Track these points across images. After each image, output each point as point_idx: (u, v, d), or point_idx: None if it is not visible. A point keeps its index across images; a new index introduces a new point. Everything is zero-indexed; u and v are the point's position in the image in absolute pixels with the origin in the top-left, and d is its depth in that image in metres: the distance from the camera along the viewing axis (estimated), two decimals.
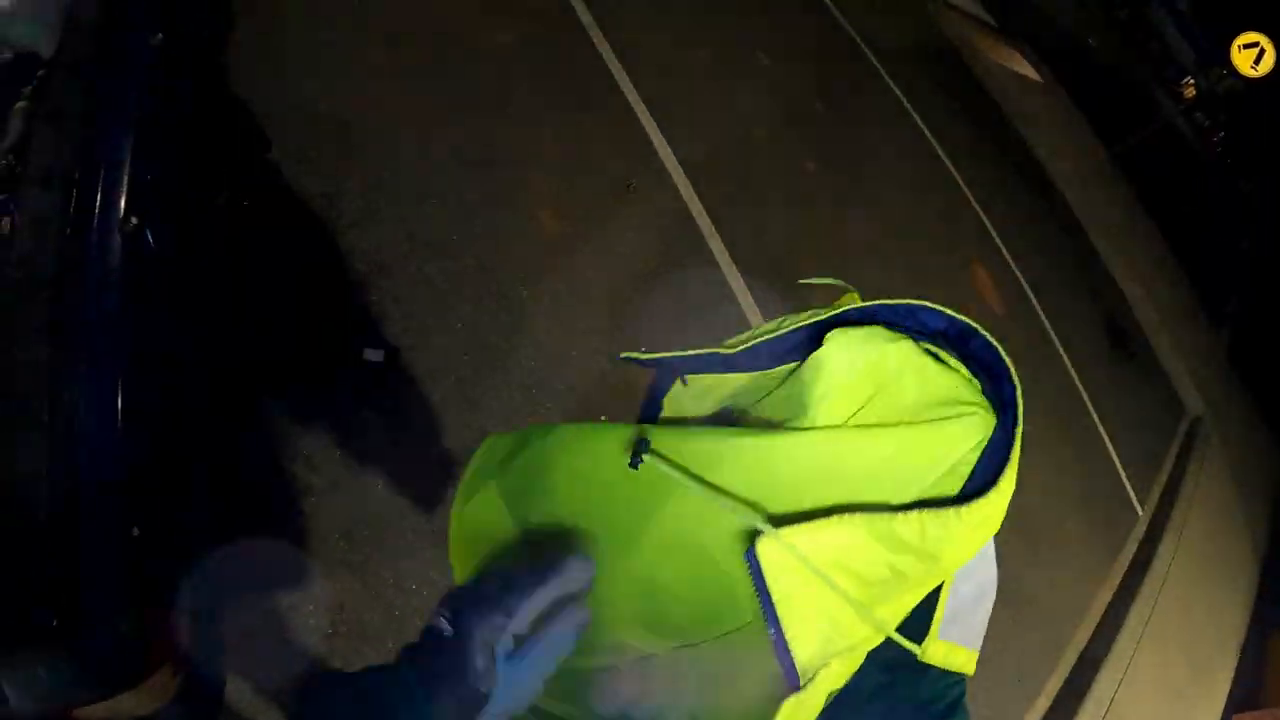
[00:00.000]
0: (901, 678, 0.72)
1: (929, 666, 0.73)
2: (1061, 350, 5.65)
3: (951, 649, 0.74)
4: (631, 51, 4.08)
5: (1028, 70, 9.87)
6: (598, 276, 3.35)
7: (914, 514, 0.65)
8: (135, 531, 1.16)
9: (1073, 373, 5.60)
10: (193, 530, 1.37)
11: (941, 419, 0.69)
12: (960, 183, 5.26)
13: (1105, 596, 4.37)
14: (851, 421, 0.73)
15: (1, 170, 1.49)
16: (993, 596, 0.80)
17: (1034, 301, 5.51)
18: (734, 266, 3.65)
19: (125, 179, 1.44)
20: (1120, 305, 7.58)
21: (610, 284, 3.35)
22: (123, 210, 1.41)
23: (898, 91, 5.42)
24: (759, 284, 3.65)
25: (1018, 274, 5.36)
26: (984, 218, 5.15)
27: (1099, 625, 4.19)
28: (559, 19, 4.08)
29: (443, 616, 0.65)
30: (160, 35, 1.59)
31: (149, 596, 1.21)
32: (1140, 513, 5.28)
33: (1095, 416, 5.50)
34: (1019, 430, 0.68)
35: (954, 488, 0.69)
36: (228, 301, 2.55)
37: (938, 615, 0.74)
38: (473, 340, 2.99)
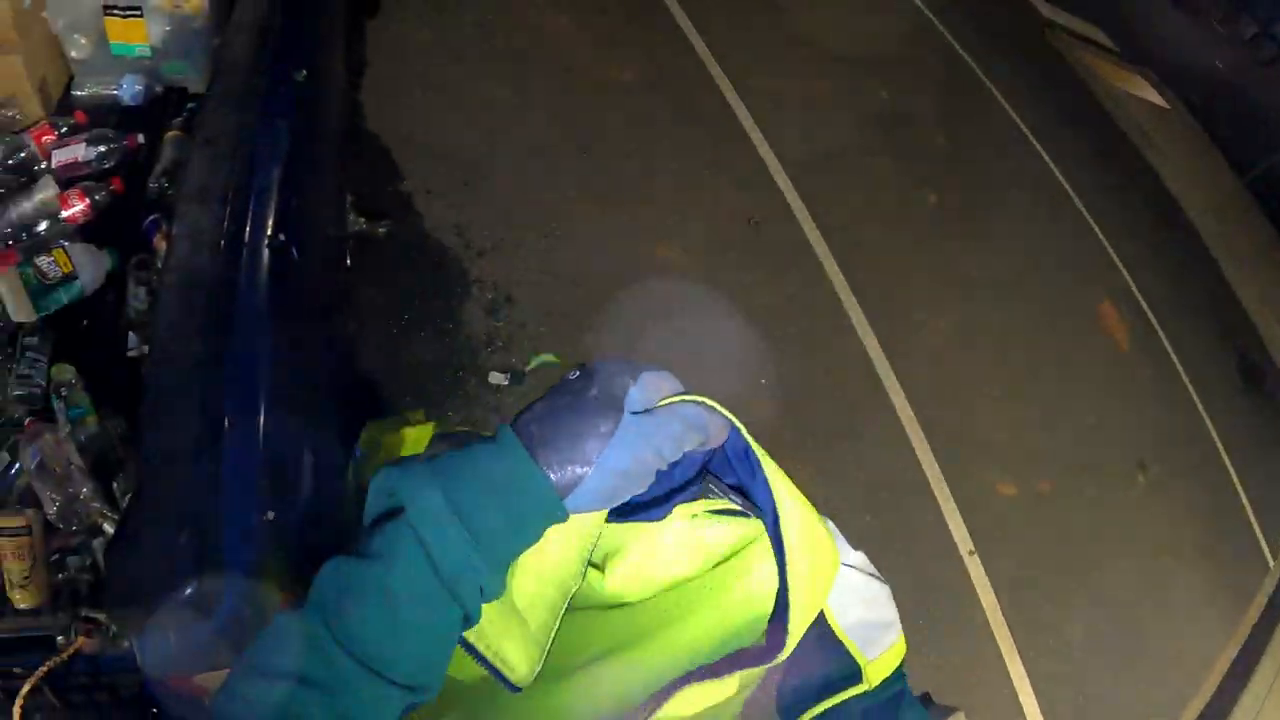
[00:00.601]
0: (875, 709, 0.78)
1: (884, 683, 0.79)
2: (1191, 388, 5.27)
3: (883, 657, 0.80)
4: (752, 87, 4.14)
5: (1153, 96, 9.37)
6: (722, 310, 3.38)
7: (734, 676, 0.72)
8: (270, 515, 1.23)
9: (1203, 412, 5.22)
10: (323, 519, 1.44)
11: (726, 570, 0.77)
12: (1086, 214, 5.03)
13: (1231, 651, 4.02)
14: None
15: (154, 192, 1.66)
16: (870, 582, 0.87)
17: (1163, 338, 5.20)
18: (855, 301, 3.62)
19: (274, 200, 1.56)
20: (1254, 341, 7.01)
21: (734, 316, 3.38)
22: (271, 228, 1.53)
23: (1020, 122, 5.25)
24: (879, 319, 3.60)
25: (1146, 309, 5.09)
26: (1111, 251, 4.90)
27: (1223, 681, 3.86)
28: (680, 56, 4.18)
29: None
30: (304, 72, 1.74)
31: (280, 577, 1.27)
32: (1272, 564, 4.84)
33: (1226, 459, 5.11)
34: (784, 527, 0.71)
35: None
36: (360, 315, 2.72)
37: (852, 647, 0.79)
38: None
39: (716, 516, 0.79)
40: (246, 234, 1.45)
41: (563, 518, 0.62)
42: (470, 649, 0.72)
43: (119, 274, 1.57)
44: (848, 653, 0.79)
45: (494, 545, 0.60)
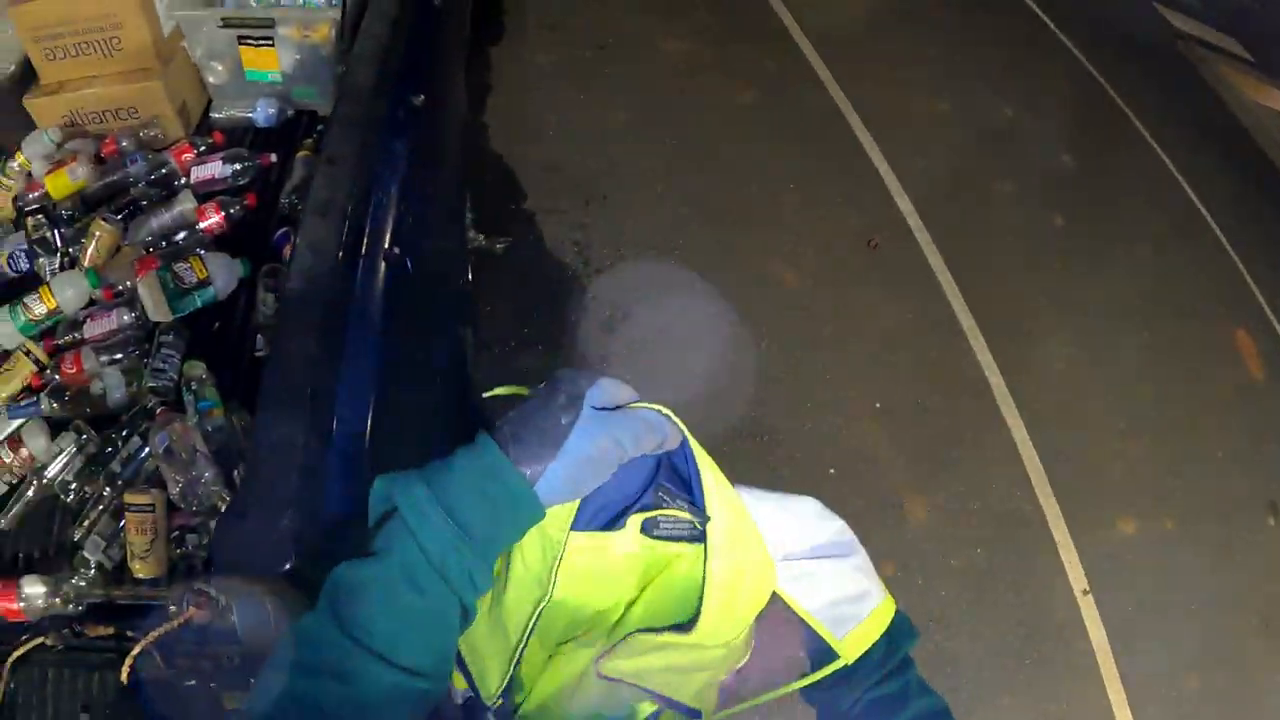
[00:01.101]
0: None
1: (865, 654, 0.82)
2: None
3: (858, 630, 0.82)
4: (872, 107, 4.05)
5: None
6: (837, 331, 3.31)
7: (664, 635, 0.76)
8: None
9: None
10: None
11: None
12: (1221, 236, 4.61)
13: None
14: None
15: (285, 207, 1.76)
16: (840, 563, 0.85)
17: None
18: (974, 325, 3.46)
19: (390, 215, 1.64)
20: None
21: (849, 341, 3.30)
22: (387, 241, 1.60)
23: (1150, 139, 4.91)
24: (999, 344, 3.43)
25: None
26: (1247, 276, 4.47)
27: None
28: (800, 78, 4.15)
29: None
30: (421, 97, 1.82)
31: None
32: None
33: None
34: (710, 530, 0.76)
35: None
36: (478, 328, 2.80)
37: (826, 634, 0.81)
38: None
39: (666, 543, 0.82)
40: (364, 246, 1.52)
41: (539, 511, 0.67)
42: (461, 664, 0.82)
43: (250, 281, 1.67)
44: (817, 634, 0.82)
45: (477, 535, 0.65)
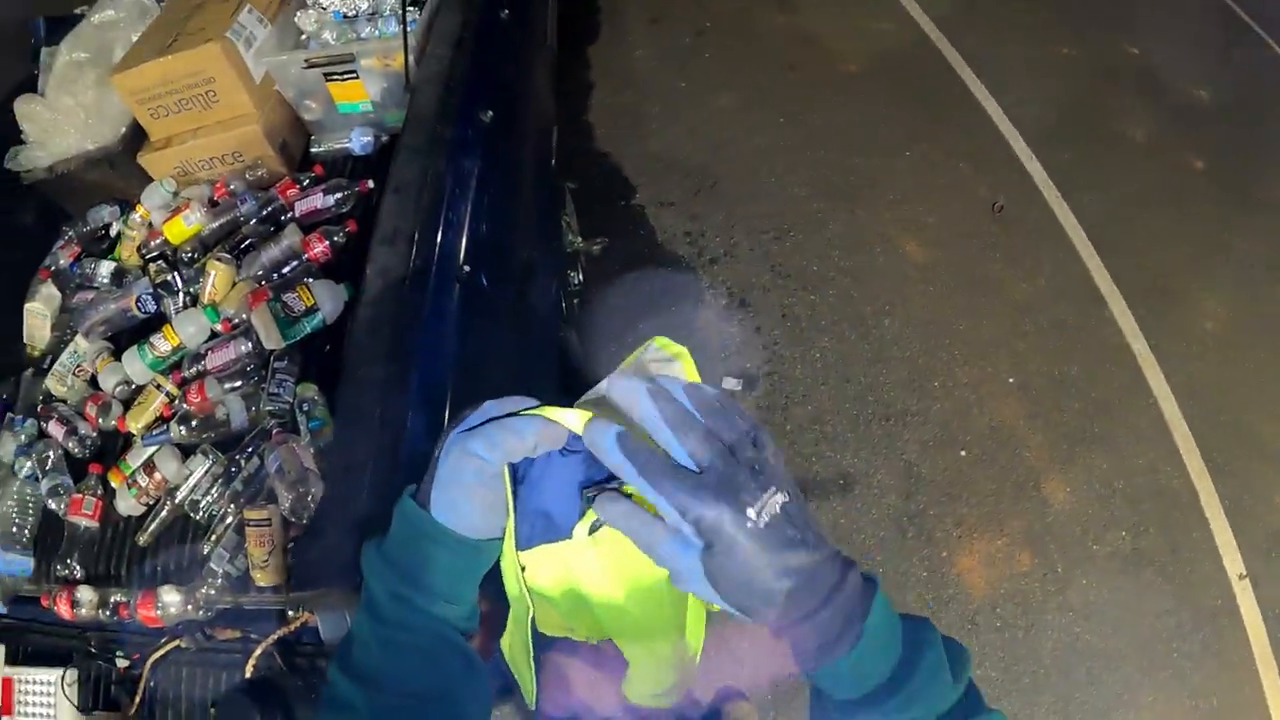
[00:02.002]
0: None
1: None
2: None
3: None
4: (984, 59, 3.74)
5: None
6: (965, 306, 3.10)
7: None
8: None
9: None
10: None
11: None
12: None
13: None
14: None
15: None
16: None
17: None
18: (1114, 288, 3.14)
19: (463, 236, 1.64)
20: None
21: (979, 313, 3.09)
22: (460, 260, 1.61)
23: None
24: (1141, 306, 3.10)
25: None
26: None
27: None
28: (906, 39, 3.89)
29: None
30: (490, 113, 1.81)
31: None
32: None
33: None
34: None
35: None
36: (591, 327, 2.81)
37: None
38: (832, 371, 2.97)
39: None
40: (433, 268, 1.54)
41: (460, 545, 0.67)
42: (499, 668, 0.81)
43: (356, 304, 1.72)
44: None
45: (426, 583, 0.67)
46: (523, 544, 0.71)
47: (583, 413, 0.65)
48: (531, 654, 0.77)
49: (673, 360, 0.78)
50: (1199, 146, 3.52)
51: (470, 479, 0.64)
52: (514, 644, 0.81)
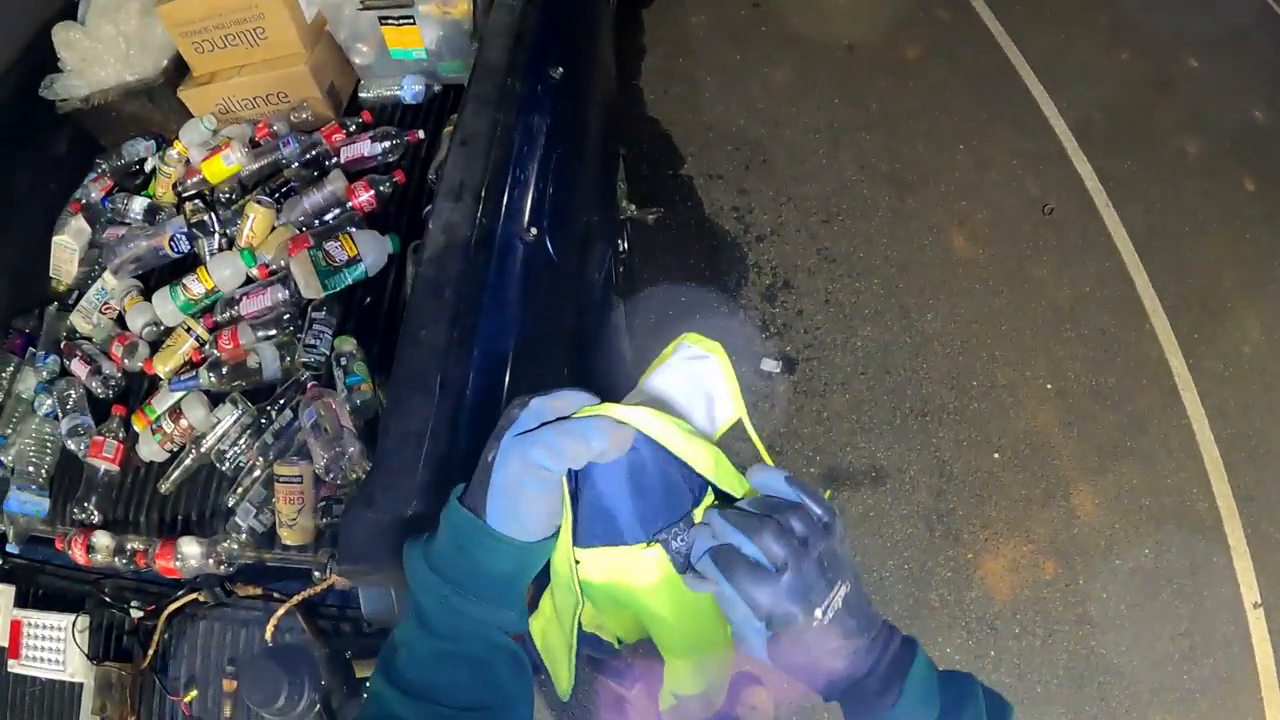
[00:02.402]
0: None
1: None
2: None
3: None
4: (1046, 59, 3.61)
5: None
6: (1009, 306, 3.01)
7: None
8: None
9: None
10: None
11: None
12: None
13: None
14: None
15: (433, 183, 1.71)
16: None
17: None
18: (1157, 302, 3.04)
19: (529, 195, 1.55)
20: None
21: (1022, 314, 3.00)
22: (526, 221, 1.52)
23: None
24: (1182, 322, 3.00)
25: None
26: None
27: None
28: (969, 32, 3.75)
29: None
30: (560, 69, 1.71)
31: None
32: None
33: None
34: None
35: None
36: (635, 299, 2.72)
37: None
38: (872, 360, 2.90)
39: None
40: (499, 228, 1.45)
41: (491, 542, 0.63)
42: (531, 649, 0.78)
43: (400, 257, 1.65)
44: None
45: (475, 591, 0.64)
46: (581, 541, 0.68)
47: (648, 411, 0.63)
48: (574, 649, 0.75)
49: (706, 357, 0.75)
50: (1251, 167, 3.39)
51: (532, 489, 0.61)
52: (552, 633, 0.79)
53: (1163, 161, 3.36)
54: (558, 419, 0.62)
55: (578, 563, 0.69)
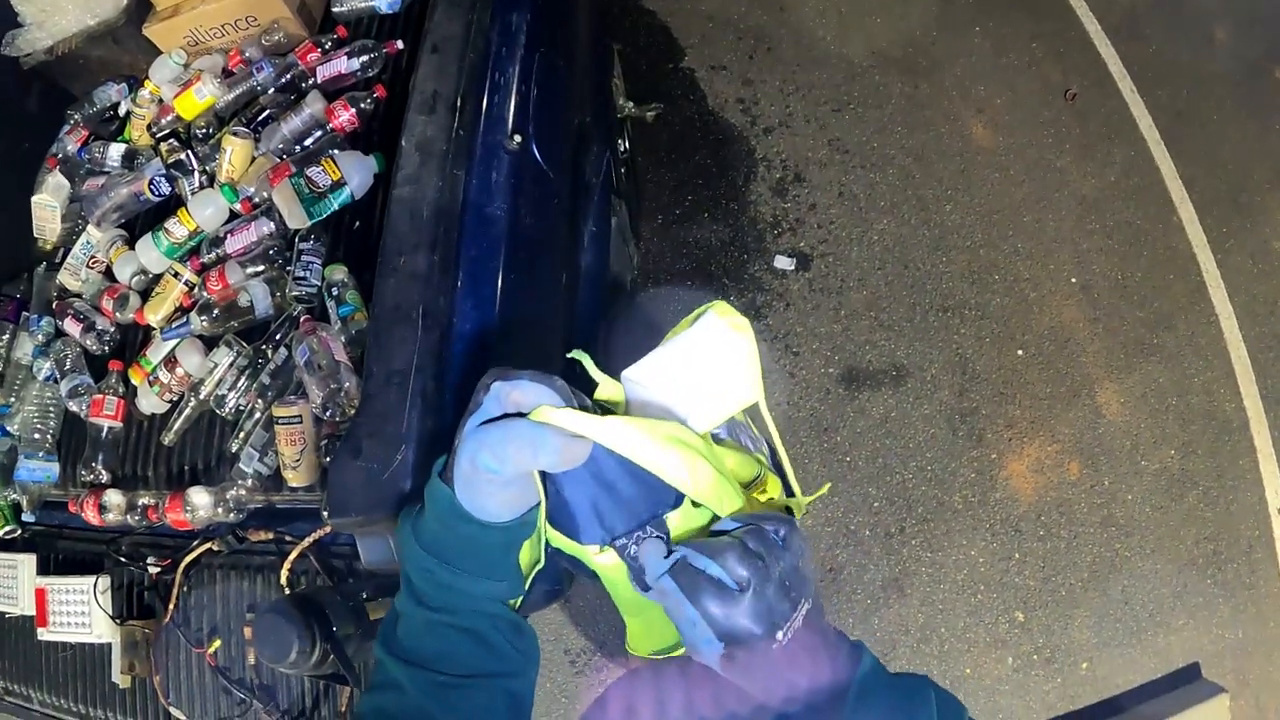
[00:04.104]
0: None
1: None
2: None
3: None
4: None
5: None
6: (1031, 195, 2.83)
7: None
8: None
9: None
10: None
11: None
12: None
13: None
14: None
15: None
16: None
17: None
18: (1184, 193, 2.85)
19: (511, 100, 1.41)
20: None
21: (1045, 206, 2.82)
22: (509, 129, 1.38)
23: None
24: (1211, 214, 2.81)
25: None
26: None
27: None
28: None
29: None
30: None
31: None
32: None
33: None
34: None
35: None
36: (633, 200, 2.58)
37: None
38: (890, 255, 2.75)
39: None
40: (479, 139, 1.33)
41: (465, 519, 0.60)
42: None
43: (387, 175, 1.50)
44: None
45: (466, 566, 0.62)
46: (549, 521, 0.65)
47: (619, 420, 0.58)
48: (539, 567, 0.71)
49: (731, 333, 0.67)
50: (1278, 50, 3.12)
51: (486, 485, 0.58)
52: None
53: (1190, 46, 3.10)
54: (517, 413, 0.57)
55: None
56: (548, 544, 0.67)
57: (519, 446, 0.55)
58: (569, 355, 0.66)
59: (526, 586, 0.68)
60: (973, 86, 3.00)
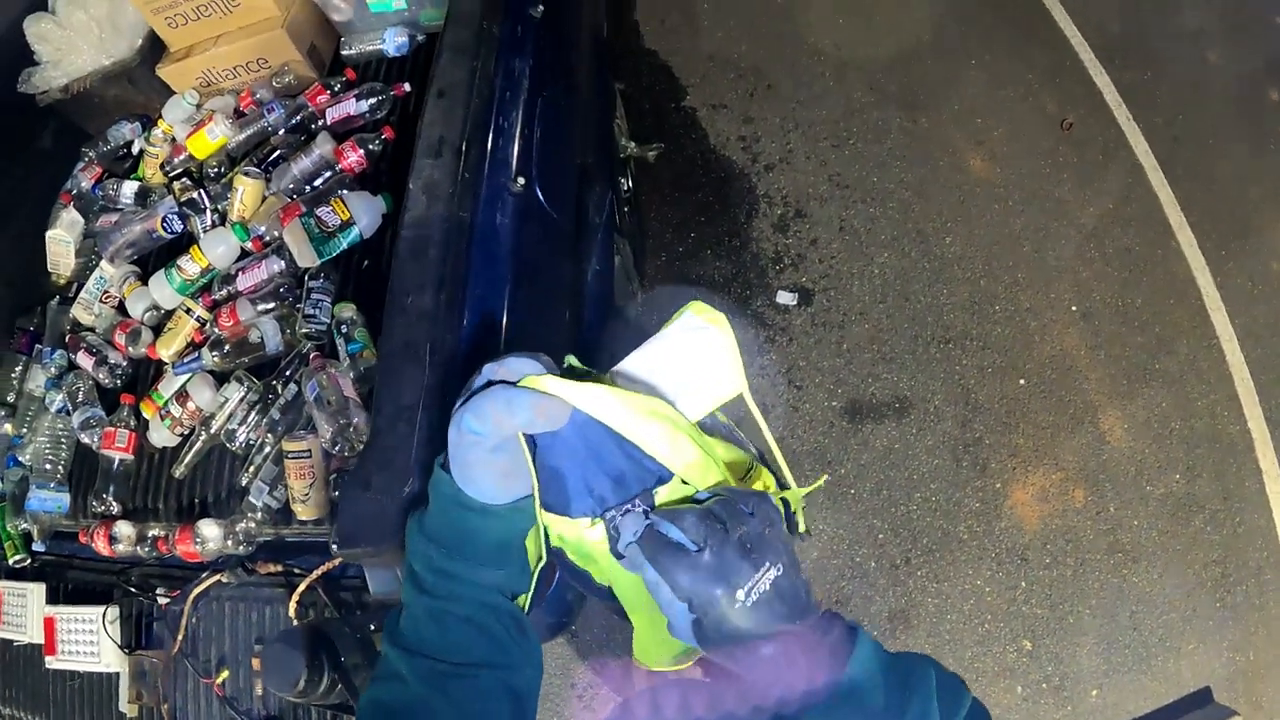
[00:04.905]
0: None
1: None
2: None
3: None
4: None
5: None
6: (1030, 225, 2.87)
7: None
8: None
9: None
10: None
11: None
12: None
13: None
14: None
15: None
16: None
17: None
18: (1182, 218, 2.88)
19: (515, 144, 1.45)
20: None
21: (1044, 235, 2.86)
22: (513, 171, 1.43)
23: None
24: (1210, 239, 2.83)
25: None
26: None
27: None
28: None
29: None
30: (540, 7, 1.60)
31: None
32: None
33: None
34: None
35: None
36: (637, 238, 2.62)
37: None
38: (891, 288, 2.79)
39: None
40: (483, 181, 1.37)
41: (464, 504, 0.64)
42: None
43: (395, 216, 1.55)
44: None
45: (474, 555, 0.65)
46: (543, 504, 0.65)
47: (602, 388, 0.61)
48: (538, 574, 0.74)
49: (708, 328, 0.69)
50: (1275, 76, 3.15)
51: (472, 454, 0.61)
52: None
53: (1184, 71, 3.15)
54: (501, 382, 0.61)
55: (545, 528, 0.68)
56: (552, 546, 0.68)
57: (495, 404, 0.58)
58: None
59: (532, 586, 0.69)
60: (970, 119, 3.05)
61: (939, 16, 3.27)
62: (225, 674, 1.39)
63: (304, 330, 1.47)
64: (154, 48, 1.85)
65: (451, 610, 0.65)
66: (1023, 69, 3.15)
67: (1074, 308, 2.74)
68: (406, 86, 1.71)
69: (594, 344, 1.80)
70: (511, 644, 0.67)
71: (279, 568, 1.38)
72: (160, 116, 1.83)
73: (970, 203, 2.90)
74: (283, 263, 1.53)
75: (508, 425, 0.59)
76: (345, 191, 1.55)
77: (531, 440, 0.63)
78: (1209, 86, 3.12)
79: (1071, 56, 3.18)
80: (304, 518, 1.35)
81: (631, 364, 0.68)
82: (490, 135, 1.39)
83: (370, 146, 1.63)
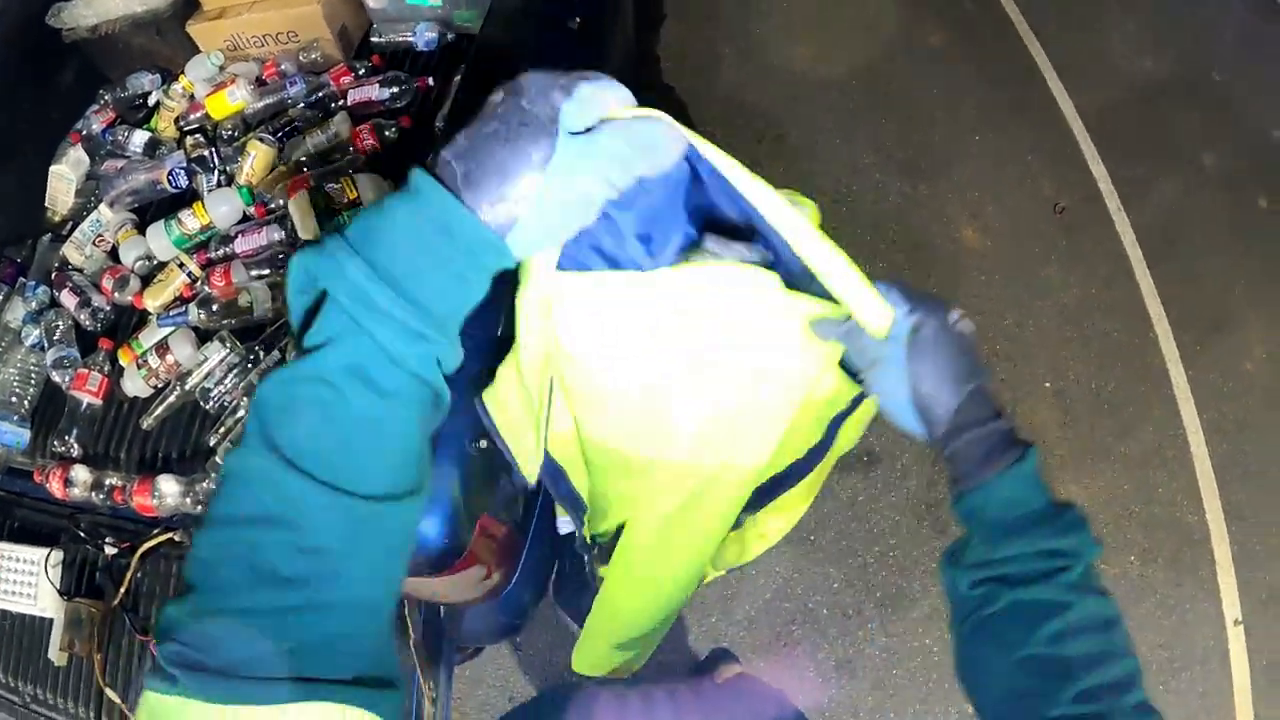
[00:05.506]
0: None
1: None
2: None
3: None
4: (1070, 63, 3.50)
5: None
6: (1015, 302, 2.95)
7: None
8: (482, 444, 1.18)
9: None
10: None
11: None
12: None
13: None
14: None
15: (438, 133, 1.64)
16: None
17: None
18: (1162, 311, 2.96)
19: None
20: None
21: (1027, 312, 2.93)
22: None
23: None
24: (1187, 334, 2.92)
25: None
26: None
27: None
28: (994, 25, 3.63)
29: None
30: (578, 20, 1.63)
31: (482, 502, 1.25)
32: None
33: None
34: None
35: None
36: None
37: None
38: None
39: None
40: None
41: (509, 261, 0.51)
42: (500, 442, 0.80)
43: None
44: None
45: (437, 309, 0.49)
46: (566, 262, 0.60)
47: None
48: (543, 413, 0.71)
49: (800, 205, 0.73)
50: (1267, 185, 3.28)
51: (586, 206, 0.52)
52: (518, 402, 0.74)
53: (1178, 170, 3.27)
54: (614, 120, 0.52)
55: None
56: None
57: (643, 153, 0.52)
58: None
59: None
60: (968, 192, 3.14)
61: (951, 94, 3.38)
62: None
63: None
64: (188, 3, 1.86)
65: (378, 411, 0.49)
66: (1024, 150, 3.25)
67: (1048, 384, 2.80)
68: (430, 80, 1.73)
69: None
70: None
71: None
72: (182, 72, 1.83)
73: (959, 272, 2.97)
74: (283, 233, 1.53)
75: (641, 169, 0.53)
76: (355, 172, 1.56)
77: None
78: (1201, 188, 3.23)
79: (1072, 145, 3.28)
80: None
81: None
82: None
83: (386, 133, 1.64)
